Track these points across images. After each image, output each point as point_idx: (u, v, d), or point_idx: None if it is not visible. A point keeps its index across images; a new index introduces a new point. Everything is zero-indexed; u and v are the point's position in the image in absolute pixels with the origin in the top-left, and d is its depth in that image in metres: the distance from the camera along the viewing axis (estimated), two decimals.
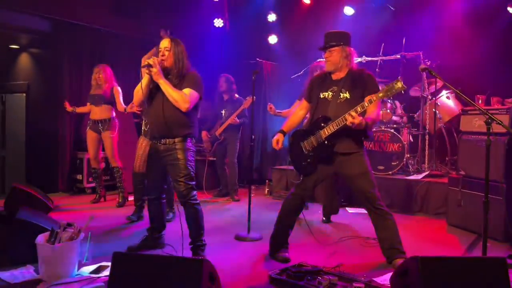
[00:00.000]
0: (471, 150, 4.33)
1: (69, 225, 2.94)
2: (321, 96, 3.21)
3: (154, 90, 3.27)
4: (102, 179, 5.69)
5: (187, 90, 3.18)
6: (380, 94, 2.90)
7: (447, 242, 4.04)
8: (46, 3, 5.98)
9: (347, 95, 3.12)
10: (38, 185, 5.35)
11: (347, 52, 3.16)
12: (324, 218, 4.78)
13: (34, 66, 6.86)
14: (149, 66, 3.13)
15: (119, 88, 5.46)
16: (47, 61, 6.55)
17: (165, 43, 3.28)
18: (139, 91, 3.25)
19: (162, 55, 3.25)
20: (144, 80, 3.23)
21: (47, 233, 2.92)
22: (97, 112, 5.41)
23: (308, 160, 3.21)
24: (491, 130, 2.81)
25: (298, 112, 3.46)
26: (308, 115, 3.43)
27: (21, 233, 3.10)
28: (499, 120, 2.80)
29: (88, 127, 5.51)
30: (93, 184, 6.16)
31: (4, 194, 7.04)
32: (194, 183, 3.25)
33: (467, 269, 2.36)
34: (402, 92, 2.87)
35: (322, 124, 3.11)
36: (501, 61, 5.79)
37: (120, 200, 5.43)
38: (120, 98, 5.39)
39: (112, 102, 5.43)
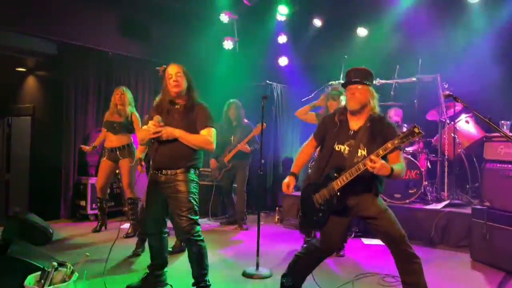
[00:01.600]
0: (497, 180, 4.03)
1: (61, 265, 2.70)
2: (336, 148, 2.88)
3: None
4: (105, 209, 5.41)
5: (206, 131, 3.05)
6: (396, 141, 2.59)
7: (472, 281, 3.72)
8: (53, 25, 5.89)
9: (364, 152, 2.78)
10: (40, 211, 5.17)
11: (374, 95, 2.87)
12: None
13: (40, 88, 6.78)
14: (156, 133, 2.97)
15: (137, 115, 5.19)
16: (53, 83, 6.44)
17: (176, 68, 3.09)
18: (146, 136, 3.04)
19: (175, 81, 3.05)
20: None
21: (38, 273, 2.69)
22: (114, 140, 5.08)
23: (320, 214, 2.90)
24: None
25: (307, 151, 3.13)
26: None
27: (12, 271, 2.87)
28: None
29: (104, 157, 5.17)
30: (96, 211, 5.96)
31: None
32: (197, 217, 3.01)
33: None
34: (417, 139, 2.60)
35: (335, 175, 2.81)
36: None
37: (130, 231, 5.12)
38: (139, 126, 5.01)
39: (130, 129, 5.12)
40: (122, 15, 6.63)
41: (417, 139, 2.58)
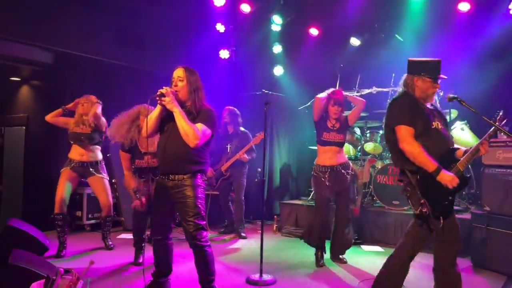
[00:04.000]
0: (497, 185, 4.08)
1: (67, 272, 2.65)
2: (433, 125, 2.85)
3: (164, 123, 3.06)
4: (65, 227, 4.72)
5: (200, 126, 2.95)
6: (493, 130, 2.79)
7: (475, 286, 3.73)
8: (49, 34, 5.87)
9: (441, 126, 2.89)
10: (35, 222, 5.06)
11: None
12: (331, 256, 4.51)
13: (34, 98, 6.72)
14: (161, 95, 2.90)
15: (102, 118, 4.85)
16: (48, 93, 6.39)
17: (178, 72, 3.05)
18: (150, 122, 3.01)
19: (175, 85, 3.01)
20: (155, 111, 3.01)
21: (42, 281, 2.63)
22: (84, 153, 4.75)
23: (450, 198, 2.79)
24: None
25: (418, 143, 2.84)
26: None
27: (14, 279, 2.81)
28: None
29: (68, 167, 4.71)
30: (92, 221, 5.89)
31: None
32: (204, 222, 2.98)
33: None
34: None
35: (455, 157, 2.83)
36: None
37: (110, 243, 4.93)
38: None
39: (99, 141, 4.84)
40: (118, 25, 6.63)
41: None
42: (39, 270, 2.88)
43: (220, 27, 6.82)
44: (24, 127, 6.64)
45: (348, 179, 4.37)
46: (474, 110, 2.88)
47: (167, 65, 6.66)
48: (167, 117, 3.04)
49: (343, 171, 4.35)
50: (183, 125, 2.87)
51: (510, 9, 4.76)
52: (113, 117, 5.15)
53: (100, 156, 4.90)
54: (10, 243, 3.82)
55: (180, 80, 3.02)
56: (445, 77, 2.94)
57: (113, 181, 5.56)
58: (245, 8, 6.51)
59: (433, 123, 2.84)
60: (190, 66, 3.15)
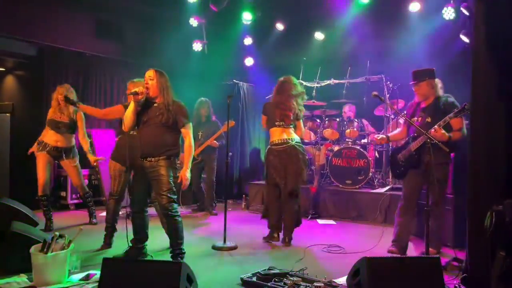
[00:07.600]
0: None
1: (61, 236, 3.24)
2: (412, 120, 4.00)
3: (140, 115, 3.63)
4: (50, 207, 5.18)
5: (185, 130, 3.70)
6: (452, 115, 3.60)
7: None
8: (32, 28, 6.31)
9: (429, 119, 3.89)
10: (22, 203, 5.57)
11: (432, 84, 3.96)
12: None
13: (19, 87, 7.13)
14: (135, 93, 3.49)
15: (82, 115, 5.17)
16: (32, 83, 6.84)
17: (149, 73, 3.62)
18: (128, 117, 3.60)
19: (146, 84, 3.59)
20: (130, 108, 3.58)
21: (40, 244, 3.21)
22: (59, 139, 5.09)
23: (402, 168, 4.11)
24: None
25: (401, 132, 4.43)
26: None
27: (15, 245, 3.39)
28: (437, 141, 3.27)
29: (42, 151, 5.03)
30: (76, 201, 6.44)
31: None
32: (175, 197, 3.60)
33: (407, 267, 2.78)
34: (467, 113, 3.49)
35: (411, 141, 3.98)
36: (456, 83, 6.17)
37: (93, 220, 5.47)
38: (83, 127, 5.17)
39: (74, 129, 5.20)
40: (97, 18, 7.10)
41: (466, 113, 3.49)
42: (36, 237, 3.47)
43: (193, 22, 7.32)
44: (9, 114, 7.07)
45: None
46: (388, 103, 3.57)
47: (144, 56, 7.23)
48: (141, 111, 3.63)
49: None
50: (191, 155, 3.74)
51: (443, 14, 5.40)
52: (94, 105, 5.73)
53: (73, 142, 5.28)
54: (6, 216, 4.36)
55: (150, 79, 3.60)
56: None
57: (94, 164, 6.10)
58: None
59: (413, 119, 4.01)
60: (165, 57, 3.66)
